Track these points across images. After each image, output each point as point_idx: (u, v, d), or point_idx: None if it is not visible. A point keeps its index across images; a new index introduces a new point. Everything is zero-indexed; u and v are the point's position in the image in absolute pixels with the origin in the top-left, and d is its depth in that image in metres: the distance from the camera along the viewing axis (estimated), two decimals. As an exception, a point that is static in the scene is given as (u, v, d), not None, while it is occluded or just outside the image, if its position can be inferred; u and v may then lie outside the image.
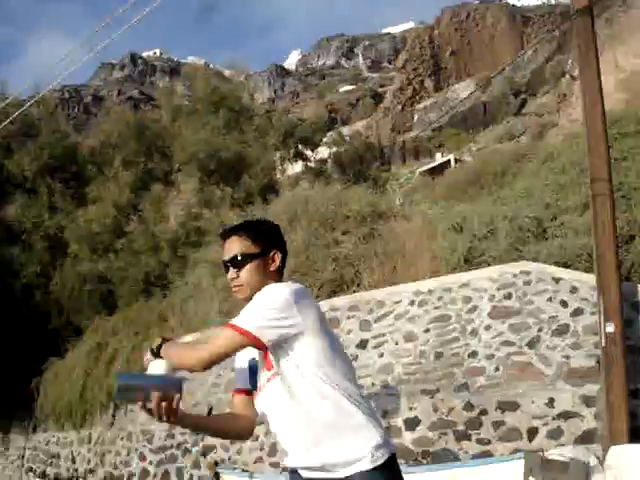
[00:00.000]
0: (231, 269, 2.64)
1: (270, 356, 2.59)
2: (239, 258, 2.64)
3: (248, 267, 2.63)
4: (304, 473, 2.62)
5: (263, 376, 2.66)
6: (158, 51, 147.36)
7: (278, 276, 2.70)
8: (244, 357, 2.79)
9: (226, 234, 2.75)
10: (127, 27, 9.07)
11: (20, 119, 18.38)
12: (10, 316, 16.61)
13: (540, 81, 42.44)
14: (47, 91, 17.60)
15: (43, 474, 13.44)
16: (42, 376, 16.16)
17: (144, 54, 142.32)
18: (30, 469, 15.27)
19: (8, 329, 16.25)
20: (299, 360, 2.52)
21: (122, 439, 13.56)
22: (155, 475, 12.38)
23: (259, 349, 2.55)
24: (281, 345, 2.51)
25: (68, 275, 17.92)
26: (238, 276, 2.64)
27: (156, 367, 2.54)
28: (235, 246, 2.66)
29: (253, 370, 2.72)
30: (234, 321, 2.49)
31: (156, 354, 2.54)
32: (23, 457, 16.49)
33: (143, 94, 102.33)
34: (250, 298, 2.56)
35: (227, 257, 2.67)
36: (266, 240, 2.70)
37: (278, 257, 2.70)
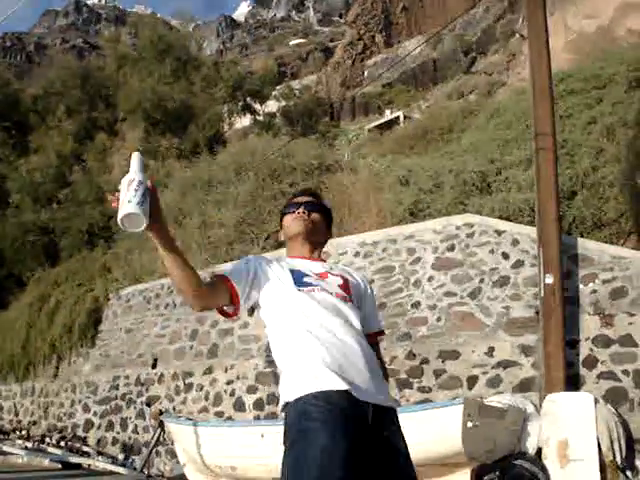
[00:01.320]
0: (302, 209, 2.92)
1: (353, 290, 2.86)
2: (321, 207, 3.00)
3: (318, 215, 2.95)
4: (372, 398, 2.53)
5: (333, 286, 2.78)
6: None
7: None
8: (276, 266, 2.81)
9: (316, 195, 3.10)
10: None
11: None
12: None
13: (490, 40, 42.49)
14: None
15: (-15, 426, 13.32)
16: (-17, 328, 15.91)
17: (89, 2, 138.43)
18: (-28, 422, 15.09)
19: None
20: None
21: (66, 391, 13.47)
22: (99, 426, 12.36)
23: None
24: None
25: (10, 225, 17.58)
26: (308, 215, 2.92)
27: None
28: (313, 199, 3.01)
29: (298, 275, 2.77)
30: None
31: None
32: (-35, 410, 16.30)
33: (87, 43, 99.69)
34: (305, 234, 2.89)
35: (305, 200, 2.97)
36: (330, 218, 3.09)
37: (328, 236, 3.08)
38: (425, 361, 8.27)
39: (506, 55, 35.06)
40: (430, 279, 8.56)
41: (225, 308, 2.69)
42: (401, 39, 57.22)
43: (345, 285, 2.80)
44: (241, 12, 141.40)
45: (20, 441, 12.15)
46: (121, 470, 10.54)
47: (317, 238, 2.95)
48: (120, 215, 2.36)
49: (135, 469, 10.35)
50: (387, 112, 41.11)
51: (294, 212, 2.92)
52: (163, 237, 2.45)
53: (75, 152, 18.78)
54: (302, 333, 2.58)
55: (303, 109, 30.89)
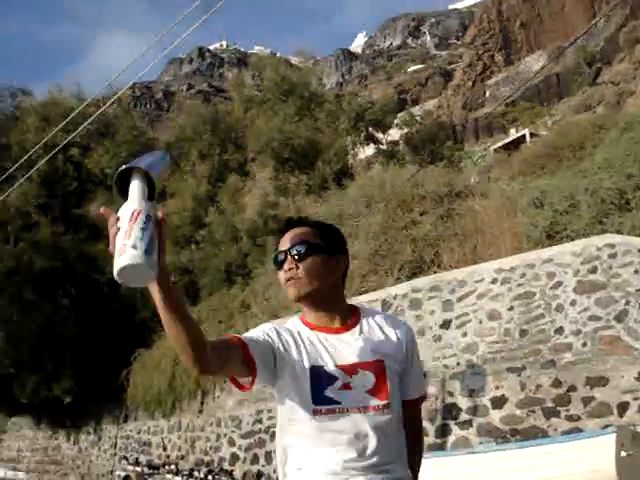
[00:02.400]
0: (289, 259, 2.21)
1: (390, 386, 2.20)
2: (304, 247, 2.22)
3: (312, 259, 2.21)
4: None
5: (369, 399, 2.16)
6: (225, 43, 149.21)
7: (342, 284, 2.34)
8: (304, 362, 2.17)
9: (288, 225, 2.33)
10: (197, 25, 9.20)
11: (96, 119, 18.99)
12: (98, 311, 17.20)
13: (614, 49, 41.18)
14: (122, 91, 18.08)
15: (136, 461, 13.86)
16: (131, 367, 16.66)
17: (211, 47, 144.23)
18: (123, 457, 15.77)
19: (97, 323, 16.82)
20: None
21: (211, 425, 13.86)
22: (244, 459, 12.63)
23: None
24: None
25: (151, 268, 18.40)
26: (297, 267, 2.20)
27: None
28: (299, 235, 2.26)
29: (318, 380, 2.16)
30: None
31: None
32: (116, 446, 17.07)
33: (212, 87, 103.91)
34: (308, 296, 2.22)
35: (287, 246, 2.24)
36: (333, 239, 2.32)
37: (343, 264, 2.31)
38: (572, 388, 8.02)
39: (632, 63, 33.87)
40: (573, 303, 8.33)
41: (240, 380, 2.15)
42: (521, 55, 56.32)
43: (379, 381, 2.17)
44: (358, 44, 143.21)
45: (169, 475, 12.57)
46: (268, 503, 10.73)
47: (323, 295, 2.23)
48: (120, 265, 1.69)
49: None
50: (512, 131, 40.48)
51: (280, 269, 2.25)
52: (164, 290, 1.82)
53: (209, 194, 19.55)
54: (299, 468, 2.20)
55: (426, 135, 30.81)
